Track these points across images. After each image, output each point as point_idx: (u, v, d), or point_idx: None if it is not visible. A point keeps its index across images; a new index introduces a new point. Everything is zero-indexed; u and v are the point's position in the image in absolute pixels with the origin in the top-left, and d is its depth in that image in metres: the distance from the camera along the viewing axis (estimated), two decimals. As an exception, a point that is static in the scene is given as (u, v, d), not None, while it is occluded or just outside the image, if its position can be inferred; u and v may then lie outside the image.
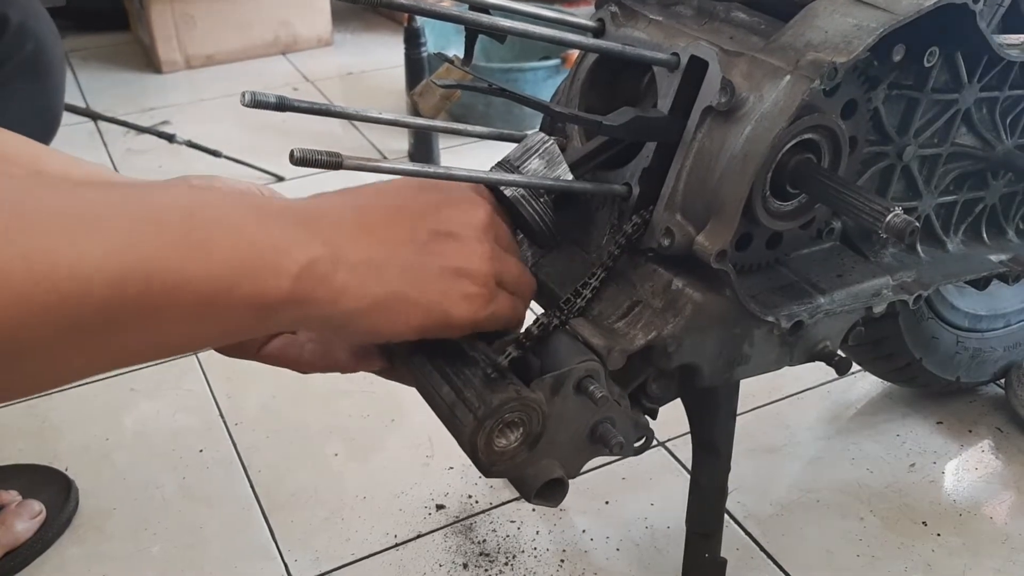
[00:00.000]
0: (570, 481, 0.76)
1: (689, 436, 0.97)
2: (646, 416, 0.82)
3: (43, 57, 1.27)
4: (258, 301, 0.53)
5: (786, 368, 0.87)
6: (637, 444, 0.80)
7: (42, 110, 1.31)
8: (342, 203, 0.61)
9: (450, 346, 0.73)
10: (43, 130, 1.31)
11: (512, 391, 0.69)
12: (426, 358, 0.74)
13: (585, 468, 0.78)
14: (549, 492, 0.75)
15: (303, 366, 0.78)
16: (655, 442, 1.32)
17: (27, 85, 1.27)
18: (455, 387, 0.70)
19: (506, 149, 0.78)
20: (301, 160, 0.64)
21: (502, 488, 1.26)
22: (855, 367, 1.35)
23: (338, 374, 0.79)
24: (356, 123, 2.35)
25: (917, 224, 0.70)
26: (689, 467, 1.00)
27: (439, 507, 1.24)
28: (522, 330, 0.74)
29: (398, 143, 2.25)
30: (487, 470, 0.72)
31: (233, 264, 0.52)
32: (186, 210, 0.52)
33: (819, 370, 1.42)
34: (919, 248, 0.96)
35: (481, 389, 0.69)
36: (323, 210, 0.60)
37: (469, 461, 0.72)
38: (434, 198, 0.65)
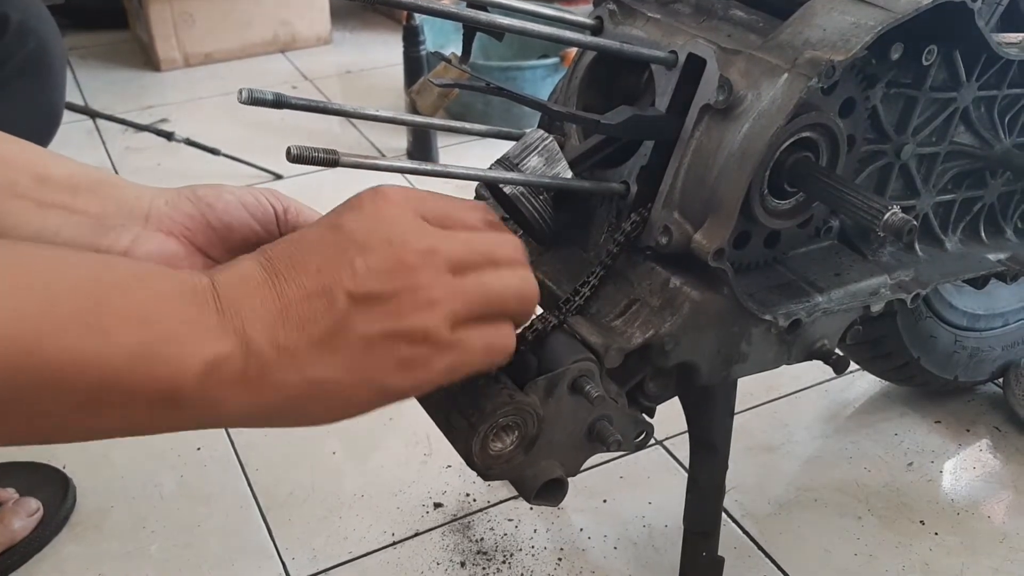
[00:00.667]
0: (568, 480, 0.76)
1: (687, 435, 0.97)
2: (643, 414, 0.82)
3: (44, 56, 1.27)
4: (158, 396, 0.49)
5: (784, 367, 0.87)
6: (637, 440, 0.80)
7: (43, 109, 1.31)
8: (263, 279, 0.53)
9: None
10: (44, 129, 1.31)
11: (505, 395, 0.69)
12: None
13: (583, 467, 0.78)
14: (549, 492, 0.75)
15: None
16: (653, 441, 1.32)
17: (28, 84, 1.27)
18: (449, 393, 0.70)
19: (505, 147, 0.78)
20: (298, 158, 0.64)
21: (500, 487, 1.26)
22: (853, 366, 1.35)
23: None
24: (355, 121, 2.35)
25: (915, 223, 0.70)
26: (687, 466, 1.00)
27: (437, 505, 1.24)
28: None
29: (397, 141, 2.25)
30: (484, 474, 0.72)
31: (131, 350, 0.48)
32: (92, 285, 0.48)
33: (817, 369, 1.42)
34: (917, 247, 0.96)
35: (475, 394, 0.69)
36: (243, 289, 0.53)
37: (466, 459, 0.72)
38: (348, 251, 0.54)
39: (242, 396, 0.51)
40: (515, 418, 0.70)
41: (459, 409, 0.69)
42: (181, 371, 0.49)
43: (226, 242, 0.73)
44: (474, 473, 0.73)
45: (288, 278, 0.53)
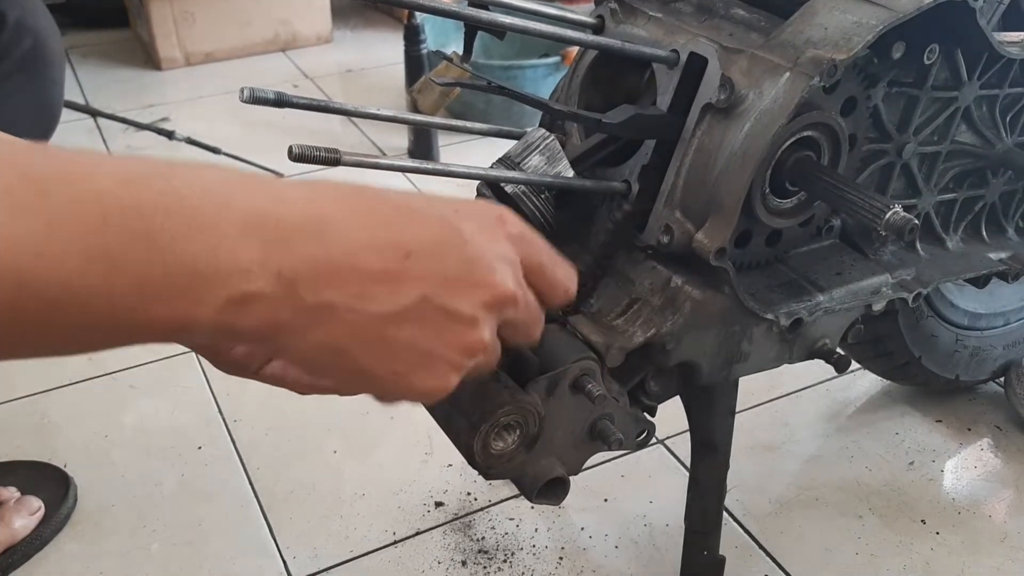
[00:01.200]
0: (570, 478, 0.76)
1: (688, 434, 0.96)
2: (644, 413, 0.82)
3: (42, 54, 1.27)
4: (167, 326, 0.44)
5: (785, 366, 0.87)
6: (638, 439, 0.80)
7: (41, 107, 1.31)
8: (343, 234, 0.48)
9: None
10: (42, 127, 1.31)
11: (506, 395, 0.69)
12: None
13: (585, 466, 0.78)
14: (550, 491, 0.75)
15: (304, 388, 0.70)
16: (654, 440, 1.32)
17: (25, 82, 1.27)
18: (452, 393, 0.70)
19: (506, 146, 0.78)
20: (299, 156, 0.64)
21: (501, 486, 1.26)
22: (854, 365, 1.35)
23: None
24: (355, 120, 2.35)
25: (916, 222, 0.70)
26: (688, 465, 1.00)
27: (438, 504, 1.24)
28: None
29: (397, 140, 2.25)
30: (486, 473, 0.72)
31: (142, 283, 0.42)
32: (106, 206, 0.42)
33: (818, 368, 1.41)
34: (918, 246, 0.96)
35: (475, 394, 0.69)
36: (317, 225, 0.47)
37: (468, 458, 0.72)
38: (450, 258, 0.50)
39: (254, 332, 0.47)
40: (516, 417, 0.70)
41: (460, 409, 0.69)
42: (196, 306, 0.44)
43: None
44: (475, 472, 0.73)
45: (370, 249, 0.48)
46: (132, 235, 0.42)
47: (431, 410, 0.73)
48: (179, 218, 0.43)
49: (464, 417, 0.69)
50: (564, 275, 0.57)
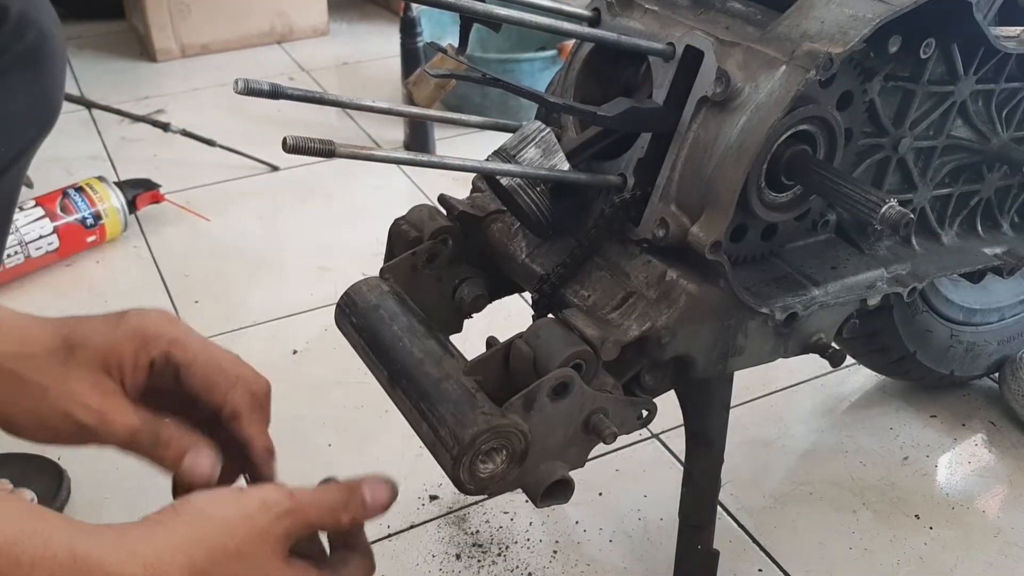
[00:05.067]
0: (574, 472, 0.76)
1: (683, 428, 0.96)
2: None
3: (44, 49, 1.25)
4: None
5: (780, 360, 0.87)
6: (640, 419, 0.80)
7: (42, 102, 1.29)
8: None
9: (426, 380, 0.74)
10: (41, 122, 1.30)
11: (483, 423, 0.68)
12: (405, 395, 0.75)
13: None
14: (555, 492, 0.75)
15: None
16: (649, 434, 1.32)
17: (26, 77, 1.26)
18: (432, 426, 0.71)
19: (502, 139, 0.77)
20: (294, 148, 0.64)
21: (495, 479, 1.26)
22: (849, 360, 1.35)
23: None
24: (352, 113, 2.34)
25: (912, 216, 0.70)
26: (682, 459, 1.00)
27: (432, 498, 1.24)
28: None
29: (393, 133, 2.24)
30: (482, 493, 0.72)
31: None
32: None
33: (813, 363, 1.41)
34: (914, 241, 0.96)
35: (453, 426, 0.69)
36: None
37: (462, 451, 0.72)
38: None
39: None
40: (498, 441, 0.70)
41: (439, 439, 0.70)
42: None
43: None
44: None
45: None
46: None
47: (419, 433, 0.74)
48: None
49: (445, 450, 0.69)
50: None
